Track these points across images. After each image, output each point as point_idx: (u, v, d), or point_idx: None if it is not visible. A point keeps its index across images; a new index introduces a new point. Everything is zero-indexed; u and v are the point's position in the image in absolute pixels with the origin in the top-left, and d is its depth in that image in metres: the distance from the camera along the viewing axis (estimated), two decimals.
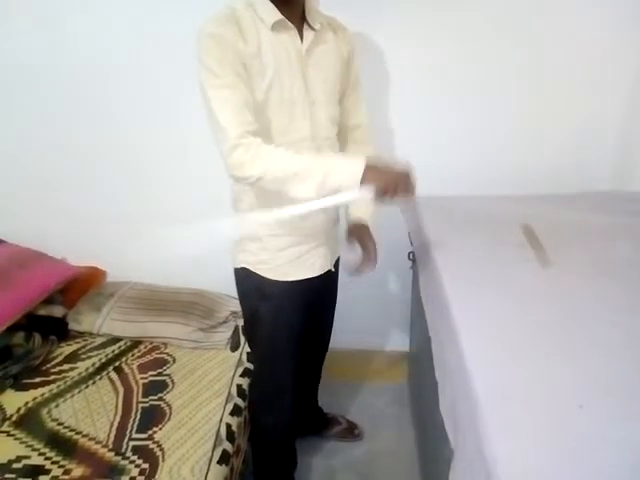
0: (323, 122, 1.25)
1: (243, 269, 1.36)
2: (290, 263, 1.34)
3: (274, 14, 1.12)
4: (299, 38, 1.17)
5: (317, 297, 1.47)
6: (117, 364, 1.72)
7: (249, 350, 1.80)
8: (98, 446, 1.39)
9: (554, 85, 1.78)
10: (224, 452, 1.41)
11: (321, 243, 1.37)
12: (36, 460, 1.34)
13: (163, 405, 1.54)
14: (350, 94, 1.35)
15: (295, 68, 1.17)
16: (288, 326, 1.41)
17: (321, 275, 1.40)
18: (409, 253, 1.74)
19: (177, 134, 1.86)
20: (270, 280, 1.34)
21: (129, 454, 1.36)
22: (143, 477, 1.29)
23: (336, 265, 1.51)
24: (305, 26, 1.18)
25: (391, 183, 1.05)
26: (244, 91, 1.09)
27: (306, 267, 1.36)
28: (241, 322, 1.93)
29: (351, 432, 1.96)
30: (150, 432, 1.43)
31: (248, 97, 1.10)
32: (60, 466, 1.32)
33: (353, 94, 1.35)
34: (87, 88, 1.84)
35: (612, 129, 1.83)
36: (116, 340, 1.84)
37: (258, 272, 1.34)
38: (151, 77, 1.80)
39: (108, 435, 1.42)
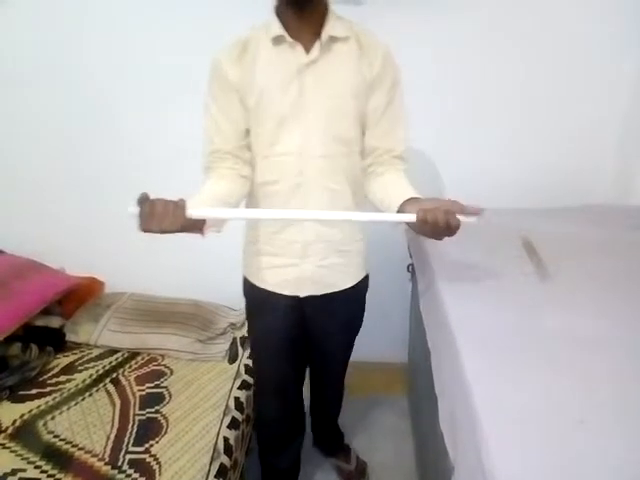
0: (319, 139, 1.20)
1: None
2: (261, 271, 1.36)
3: (276, 30, 1.14)
4: (304, 52, 1.15)
5: (310, 319, 1.43)
6: (114, 376, 1.70)
7: (247, 362, 1.80)
8: (94, 459, 1.37)
9: (551, 97, 1.79)
10: (221, 466, 1.40)
11: (295, 264, 1.31)
12: (32, 473, 1.32)
13: (160, 418, 1.52)
14: (380, 118, 1.23)
15: (291, 82, 1.16)
16: (265, 330, 1.45)
17: (310, 299, 1.36)
18: (408, 265, 1.74)
19: (180, 146, 1.86)
20: (245, 278, 1.43)
21: (125, 467, 1.35)
22: None
23: (343, 297, 1.39)
24: (318, 40, 1.15)
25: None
26: (227, 114, 1.21)
27: (274, 281, 1.35)
28: (239, 334, 1.93)
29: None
30: (147, 445, 1.42)
31: (233, 118, 1.21)
32: (56, 479, 1.30)
33: (383, 118, 1.23)
34: (88, 97, 1.86)
35: (611, 141, 1.84)
36: (113, 351, 1.82)
37: (245, 270, 1.44)
38: (154, 85, 1.82)
39: (104, 448, 1.41)
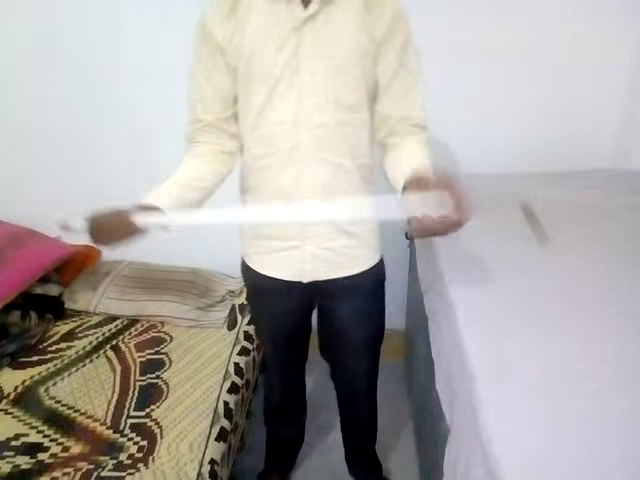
0: (317, 105, 1.06)
1: None
2: (259, 254, 1.25)
3: None
4: (302, 6, 1.01)
5: (320, 308, 1.34)
6: (114, 343, 1.72)
7: (246, 329, 1.81)
8: (96, 424, 1.39)
9: (551, 62, 1.76)
10: (222, 429, 1.42)
11: (295, 246, 1.17)
12: (34, 438, 1.34)
13: (161, 383, 1.54)
14: (390, 82, 1.10)
15: (286, 41, 1.02)
16: (265, 316, 1.41)
17: (316, 285, 1.22)
18: (406, 232, 1.73)
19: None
20: (242, 260, 1.32)
21: (127, 431, 1.37)
22: (141, 454, 1.30)
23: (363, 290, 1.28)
24: None
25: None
26: (210, 79, 1.10)
27: (272, 266, 1.23)
28: (238, 301, 1.93)
29: None
30: (148, 410, 1.44)
31: (217, 83, 1.10)
32: (59, 443, 1.33)
33: (395, 82, 1.10)
34: (91, 72, 1.85)
35: (612, 106, 1.82)
36: (113, 319, 1.83)
37: (242, 250, 1.32)
38: (159, 52, 1.80)
39: (106, 413, 1.43)
